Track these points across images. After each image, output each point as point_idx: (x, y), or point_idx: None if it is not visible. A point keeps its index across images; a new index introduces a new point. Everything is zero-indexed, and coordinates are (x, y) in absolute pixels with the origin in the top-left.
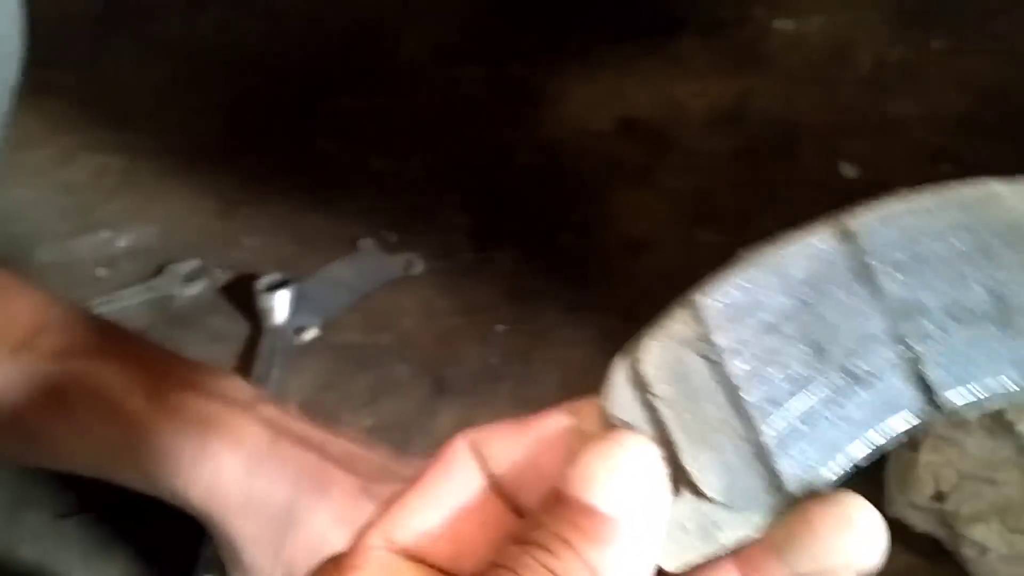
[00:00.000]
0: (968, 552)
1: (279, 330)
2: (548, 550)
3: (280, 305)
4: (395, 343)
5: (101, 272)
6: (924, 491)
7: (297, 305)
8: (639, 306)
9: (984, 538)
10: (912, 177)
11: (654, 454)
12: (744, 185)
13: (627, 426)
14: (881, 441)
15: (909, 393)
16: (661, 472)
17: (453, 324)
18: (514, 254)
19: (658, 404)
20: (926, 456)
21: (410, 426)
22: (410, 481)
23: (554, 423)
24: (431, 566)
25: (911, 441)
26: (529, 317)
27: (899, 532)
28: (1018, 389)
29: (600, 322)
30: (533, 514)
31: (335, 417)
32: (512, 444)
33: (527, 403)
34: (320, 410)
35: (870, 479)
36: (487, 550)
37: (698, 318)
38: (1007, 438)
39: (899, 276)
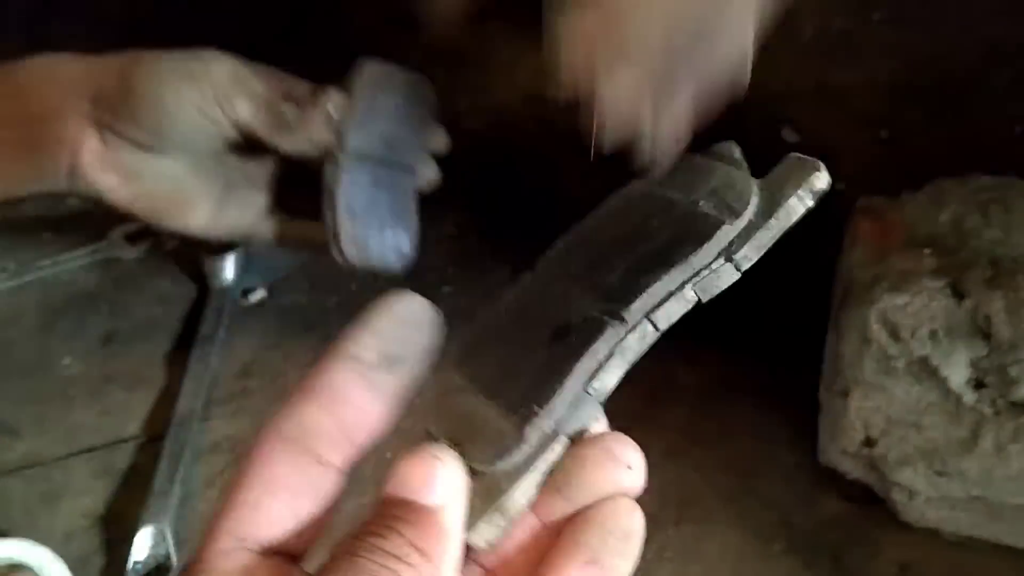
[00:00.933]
0: (897, 496)
1: (225, 291)
2: (382, 536)
3: (227, 267)
4: (340, 304)
5: (47, 236)
6: (855, 437)
7: (243, 267)
8: None
9: (911, 482)
10: (851, 142)
11: (454, 460)
12: (687, 149)
13: None
14: None
15: None
16: (460, 470)
17: (399, 286)
18: (459, 218)
19: None
20: (856, 402)
21: None
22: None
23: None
24: (289, 555)
25: (843, 389)
26: (474, 279)
27: (831, 479)
28: None
29: None
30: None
31: (281, 376)
32: (323, 418)
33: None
34: (266, 369)
35: (802, 429)
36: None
37: None
38: (932, 383)
39: None
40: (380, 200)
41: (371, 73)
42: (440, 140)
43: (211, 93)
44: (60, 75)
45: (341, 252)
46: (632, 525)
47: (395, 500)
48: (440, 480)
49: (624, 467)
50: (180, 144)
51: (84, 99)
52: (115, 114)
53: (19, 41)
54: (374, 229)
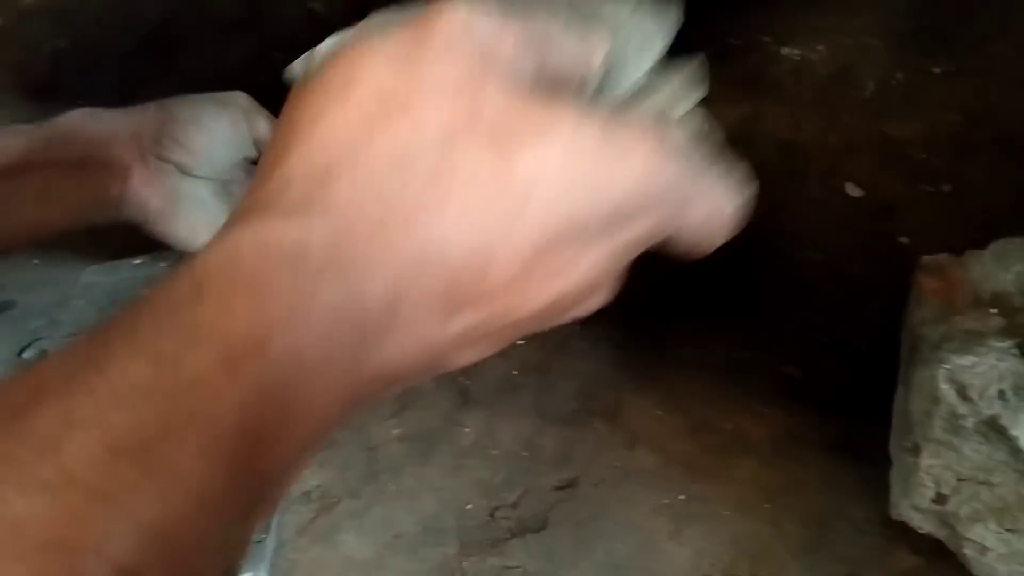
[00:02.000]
0: (969, 552)
1: None
2: None
3: None
4: None
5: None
6: (925, 494)
7: None
8: (651, 321)
9: (982, 538)
10: (914, 197)
11: None
12: (752, 206)
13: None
14: None
15: None
16: None
17: None
18: None
19: None
20: (926, 460)
21: (435, 435)
22: None
23: None
24: None
25: (912, 446)
26: (546, 331)
27: (903, 534)
28: None
29: (612, 334)
30: None
31: (364, 427)
32: None
33: (546, 413)
34: (349, 421)
35: (873, 482)
36: None
37: None
38: (1001, 442)
39: None
40: None
41: None
42: None
43: (238, 113)
44: (102, 118)
45: None
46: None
47: None
48: None
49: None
50: (213, 161)
51: (127, 133)
52: (158, 140)
53: (112, 102)
54: None
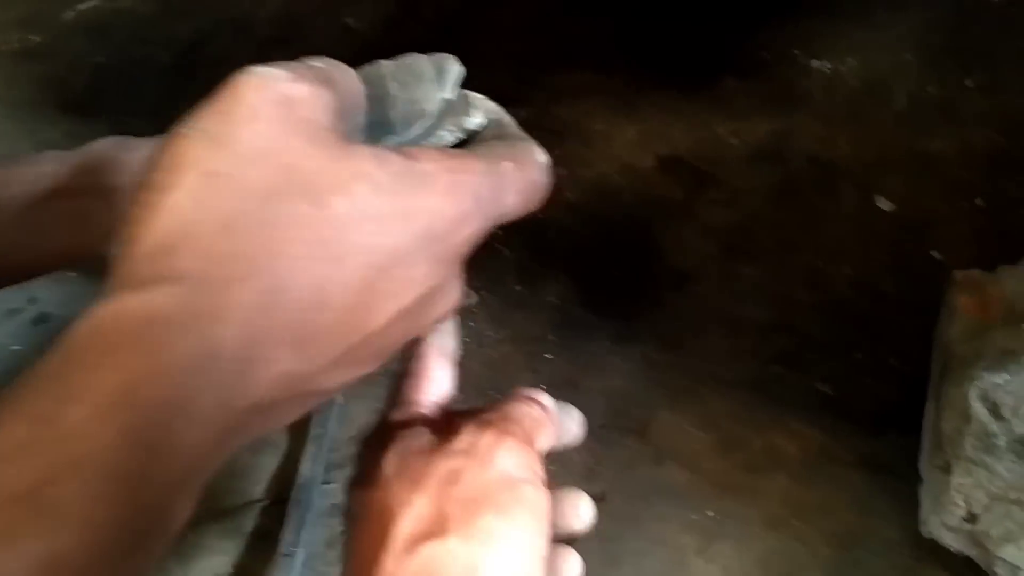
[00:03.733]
0: (1001, 571)
1: None
2: (526, 403)
3: None
4: None
5: None
6: (956, 512)
7: None
8: (681, 337)
9: (1014, 558)
10: (947, 211)
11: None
12: (784, 220)
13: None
14: None
15: None
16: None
17: (503, 353)
18: (561, 287)
19: None
20: (957, 479)
21: None
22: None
23: None
24: None
25: (944, 464)
26: (575, 347)
27: (934, 552)
28: None
29: (644, 352)
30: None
31: None
32: None
33: None
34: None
35: (904, 499)
36: None
37: None
38: None
39: None
40: None
41: None
42: None
43: None
44: (132, 146)
45: None
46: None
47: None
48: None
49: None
50: None
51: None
52: None
53: (153, 115)
54: None
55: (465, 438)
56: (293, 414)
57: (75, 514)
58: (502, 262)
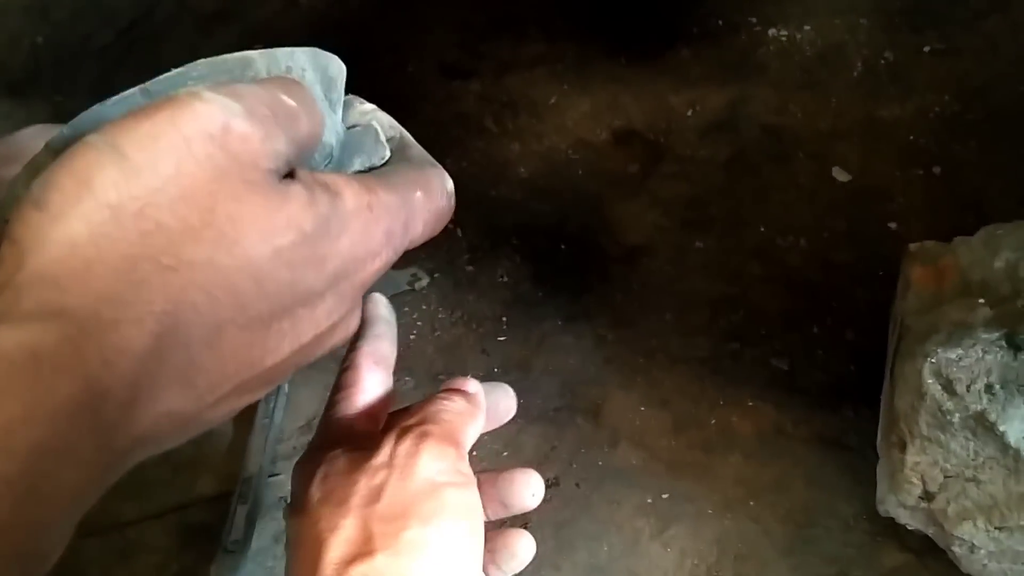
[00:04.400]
0: (958, 550)
1: None
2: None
3: None
4: (400, 354)
5: None
6: (912, 491)
7: None
8: (633, 313)
9: (971, 535)
10: (903, 180)
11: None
12: (737, 191)
13: None
14: None
15: None
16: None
17: (455, 336)
18: (512, 266)
19: None
20: (912, 457)
21: None
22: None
23: None
24: None
25: (899, 442)
26: (527, 326)
27: (891, 530)
28: None
29: (594, 330)
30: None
31: None
32: None
33: (528, 412)
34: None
35: (861, 477)
36: None
37: None
38: (990, 437)
39: None
40: None
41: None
42: None
43: None
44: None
45: None
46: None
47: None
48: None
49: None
50: None
51: None
52: None
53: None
54: None
55: (385, 450)
56: (176, 443)
57: None
58: (454, 242)
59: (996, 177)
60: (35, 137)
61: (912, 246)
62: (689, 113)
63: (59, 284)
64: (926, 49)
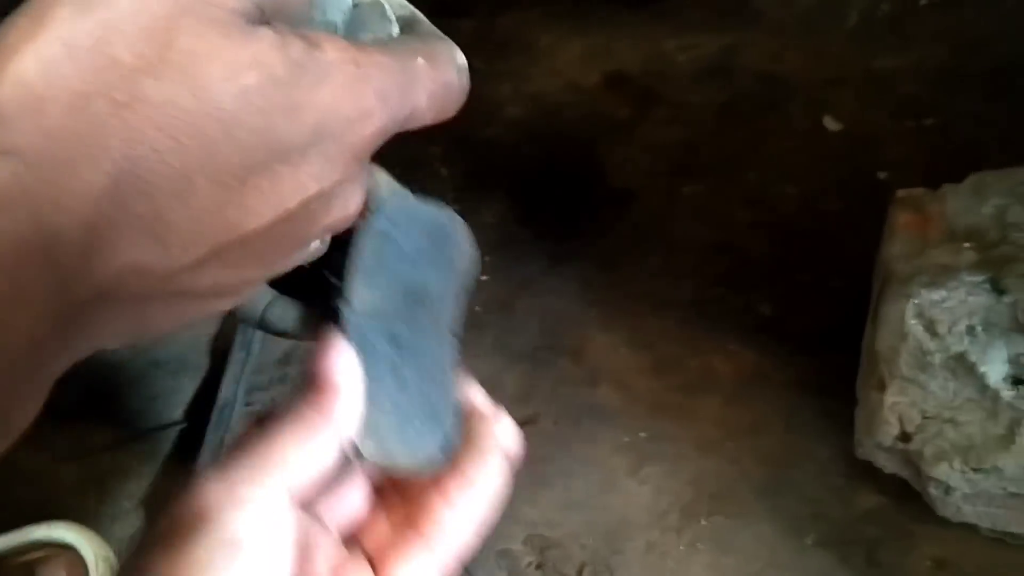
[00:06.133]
0: (934, 492)
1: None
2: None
3: None
4: None
5: None
6: (890, 432)
7: None
8: (620, 257)
9: (947, 476)
10: (895, 130)
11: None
12: (729, 138)
13: None
14: None
15: None
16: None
17: None
18: (499, 207)
19: None
20: (891, 398)
21: None
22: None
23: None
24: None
25: (878, 383)
26: (512, 267)
27: (867, 473)
28: None
29: (581, 273)
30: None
31: None
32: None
33: (510, 351)
34: (305, 357)
35: (838, 422)
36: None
37: None
38: (969, 379)
39: None
40: (404, 379)
41: (387, 204)
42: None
43: None
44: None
45: (355, 448)
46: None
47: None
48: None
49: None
50: None
51: None
52: None
53: None
54: (395, 420)
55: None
56: (167, 318)
57: None
58: (440, 182)
59: (990, 130)
60: None
61: (899, 192)
62: (683, 59)
63: (7, 123)
64: (923, 2)
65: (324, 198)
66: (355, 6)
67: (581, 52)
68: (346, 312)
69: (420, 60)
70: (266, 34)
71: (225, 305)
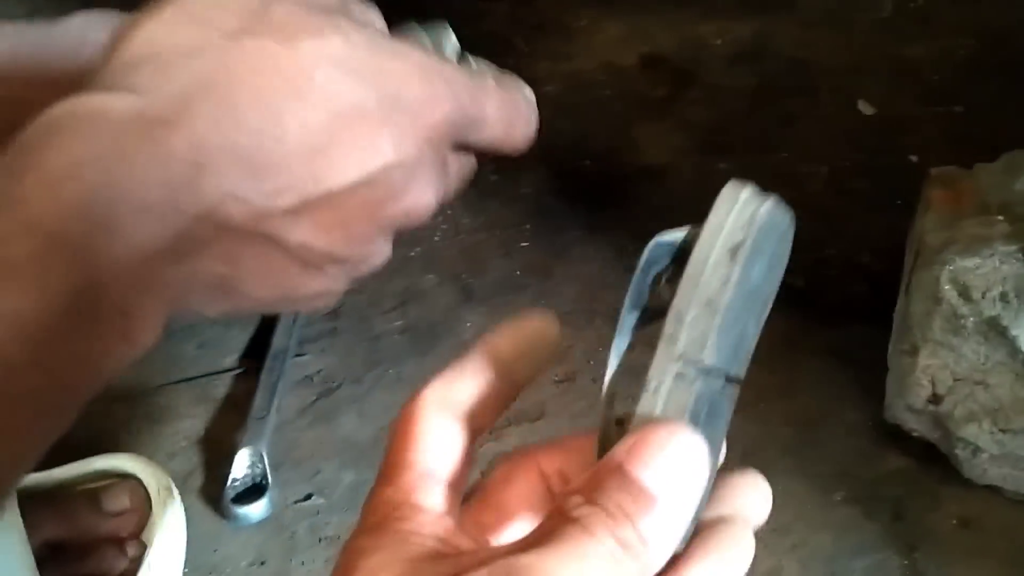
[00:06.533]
0: (960, 453)
1: None
2: (609, 513)
3: None
4: (423, 255)
5: None
6: (921, 394)
7: None
8: (654, 227)
9: (975, 437)
10: (925, 115)
11: (702, 449)
12: (761, 119)
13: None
14: None
15: None
16: (704, 464)
17: (478, 239)
18: (538, 177)
19: None
20: (924, 360)
21: (437, 327)
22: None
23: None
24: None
25: (911, 348)
26: (550, 235)
27: (895, 436)
28: None
29: (616, 241)
30: (596, 476)
31: (367, 319)
32: (463, 385)
33: (549, 310)
34: (353, 311)
35: (869, 388)
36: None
37: None
38: (1001, 342)
39: None
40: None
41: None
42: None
43: None
44: (99, 32)
45: None
46: (749, 555)
47: (633, 480)
48: (685, 471)
49: (764, 500)
50: None
51: None
52: None
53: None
54: None
55: None
56: (259, 269)
57: (29, 275)
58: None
59: (1016, 117)
60: (88, 28)
61: (933, 170)
62: (718, 42)
63: (133, 68)
64: None
65: (402, 171)
66: (461, 54)
67: (618, 34)
68: (688, 371)
69: (490, 80)
70: (342, 18)
71: (313, 289)
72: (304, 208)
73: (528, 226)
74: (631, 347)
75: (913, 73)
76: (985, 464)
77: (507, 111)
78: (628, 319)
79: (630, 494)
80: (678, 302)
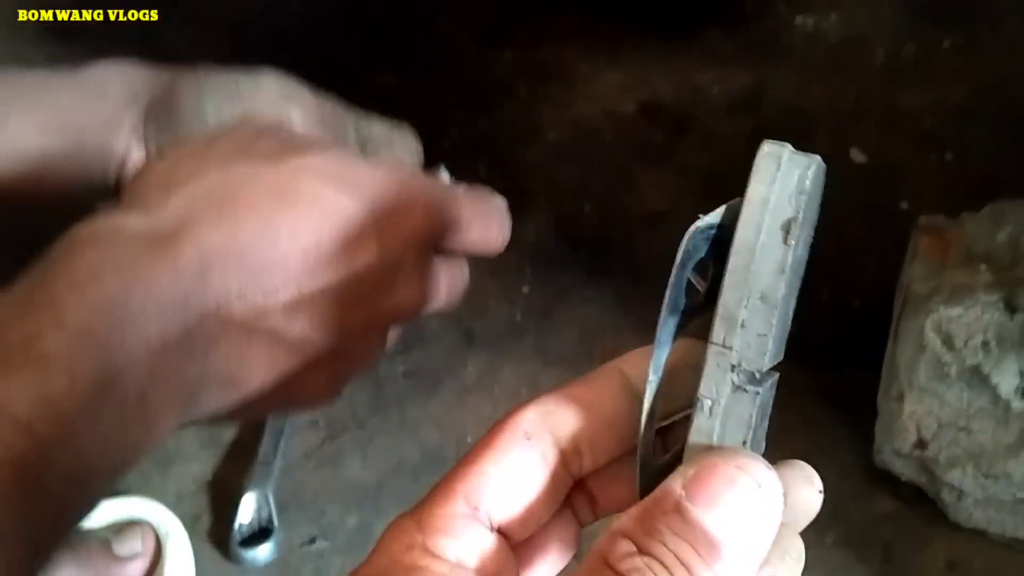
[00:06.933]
0: (947, 497)
1: None
2: (666, 567)
3: None
4: None
5: None
6: (908, 439)
7: None
8: (653, 272)
9: (960, 482)
10: (917, 163)
11: (776, 484)
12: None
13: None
14: None
15: None
16: (779, 500)
17: (481, 284)
18: (540, 222)
19: None
20: (910, 406)
21: (439, 371)
22: (481, 447)
23: (606, 385)
24: (506, 537)
25: (898, 394)
26: (551, 280)
27: (885, 480)
28: None
29: (616, 286)
30: (649, 516)
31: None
32: (572, 412)
33: (548, 355)
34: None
35: (859, 432)
36: (547, 517)
37: None
38: (983, 389)
39: None
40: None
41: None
42: None
43: (256, 111)
44: (118, 85)
45: None
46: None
47: (693, 522)
48: (758, 513)
49: (817, 491)
50: None
51: (137, 111)
52: (160, 128)
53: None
54: None
55: None
56: (263, 365)
57: (61, 365)
58: None
59: (1007, 166)
60: (112, 77)
61: (922, 219)
62: (715, 91)
63: (147, 197)
64: (946, 44)
65: (387, 269)
66: (436, 167)
67: (617, 82)
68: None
69: (462, 187)
70: (321, 138)
71: (315, 385)
72: (301, 303)
73: (529, 271)
74: (670, 356)
75: (905, 121)
76: (970, 508)
77: (481, 215)
78: (667, 326)
79: (693, 543)
80: (726, 299)
